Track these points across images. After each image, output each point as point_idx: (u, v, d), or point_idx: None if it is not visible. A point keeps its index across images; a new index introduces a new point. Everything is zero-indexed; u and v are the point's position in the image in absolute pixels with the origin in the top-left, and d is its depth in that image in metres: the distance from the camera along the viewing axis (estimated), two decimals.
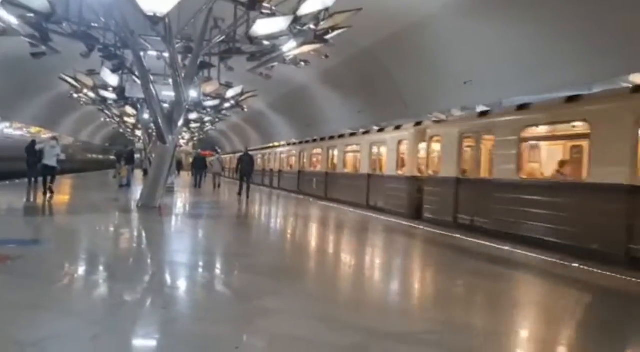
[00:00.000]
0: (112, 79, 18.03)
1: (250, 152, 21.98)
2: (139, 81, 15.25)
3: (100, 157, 65.41)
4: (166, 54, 13.60)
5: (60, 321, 4.23)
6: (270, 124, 41.98)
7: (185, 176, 41.56)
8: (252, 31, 11.01)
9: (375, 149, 19.66)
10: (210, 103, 21.53)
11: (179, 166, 39.26)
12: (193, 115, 25.76)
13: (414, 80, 19.29)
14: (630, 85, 10.13)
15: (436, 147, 15.14)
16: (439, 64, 17.20)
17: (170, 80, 14.87)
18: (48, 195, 16.35)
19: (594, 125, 9.51)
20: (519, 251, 9.10)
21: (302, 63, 13.32)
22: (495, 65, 14.88)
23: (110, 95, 20.32)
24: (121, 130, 50.87)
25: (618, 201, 8.67)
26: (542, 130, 11.64)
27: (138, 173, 35.61)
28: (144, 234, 10.57)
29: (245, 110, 25.36)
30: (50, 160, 16.81)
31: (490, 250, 9.36)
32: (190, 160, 40.18)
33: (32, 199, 16.58)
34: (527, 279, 7.52)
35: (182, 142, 44.20)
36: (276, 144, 40.50)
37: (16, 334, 3.80)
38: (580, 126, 10.20)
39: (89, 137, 57.26)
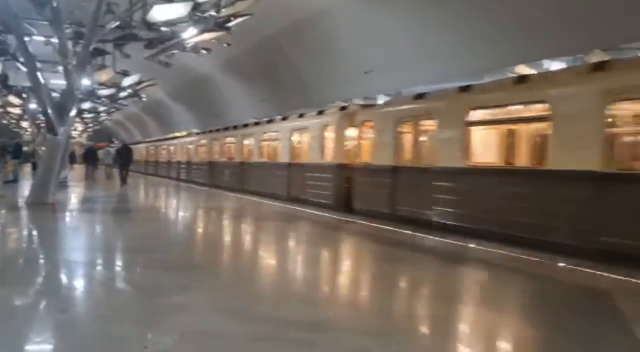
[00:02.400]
0: None
1: (128, 145, 24.53)
2: (24, 68, 14.19)
3: None
4: (55, 40, 12.74)
5: None
6: (172, 114, 40.76)
7: (78, 169, 39.38)
8: (150, 17, 10.60)
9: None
10: (105, 92, 20.56)
11: (72, 159, 37.21)
12: (86, 105, 24.43)
13: (316, 70, 19.47)
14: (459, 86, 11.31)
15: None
16: (340, 53, 17.46)
17: (60, 68, 13.96)
18: None
19: (438, 120, 10.98)
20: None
21: (204, 51, 13.03)
22: (394, 55, 15.33)
23: None
24: (5, 122, 47.18)
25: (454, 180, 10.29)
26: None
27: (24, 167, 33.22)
28: (35, 233, 9.88)
29: (144, 99, 24.44)
30: None
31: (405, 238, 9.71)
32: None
33: None
34: (448, 265, 7.86)
35: (74, 133, 41.89)
36: (184, 133, 39.07)
37: None
38: (431, 122, 11.45)
39: None
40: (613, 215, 7.48)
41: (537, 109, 9.02)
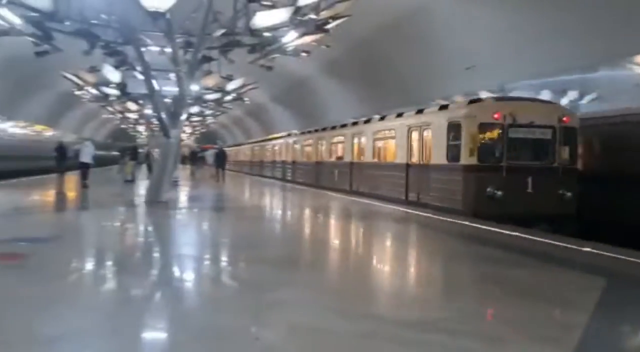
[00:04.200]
0: (114, 75, 18.05)
1: (224, 149, 29.24)
2: (141, 77, 15.28)
3: (103, 153, 65.39)
4: (168, 49, 13.60)
5: (77, 316, 4.30)
6: (272, 116, 41.97)
7: (185, 169, 41.72)
8: (253, 23, 11.00)
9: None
10: (211, 96, 21.52)
11: (182, 160, 39.69)
12: (194, 109, 25.77)
13: (415, 68, 19.29)
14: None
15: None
16: (440, 49, 17.20)
17: (172, 75, 14.90)
18: (84, 187, 18.85)
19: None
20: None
21: (304, 53, 13.33)
22: (497, 50, 14.86)
23: (112, 91, 20.33)
24: (123, 126, 51.09)
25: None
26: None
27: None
28: (151, 229, 10.66)
29: (247, 102, 25.34)
30: (85, 158, 19.39)
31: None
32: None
33: (62, 191, 18.81)
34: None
35: (183, 136, 44.29)
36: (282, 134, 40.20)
37: (37, 329, 3.88)
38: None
39: (92, 133, 57.34)
40: (411, 184, 14.85)
41: (391, 132, 16.81)
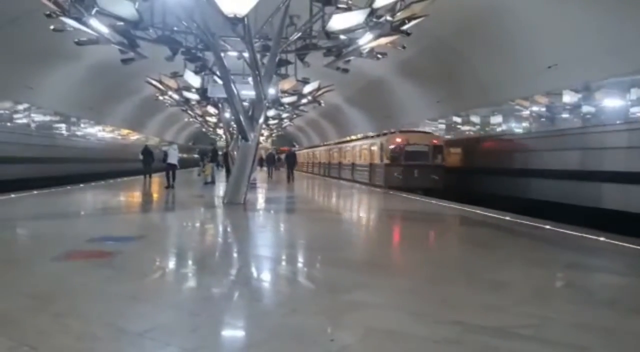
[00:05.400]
0: (195, 80, 18.76)
1: (294, 152, 34.90)
2: (220, 81, 15.74)
3: (184, 156, 68.06)
4: (246, 54, 13.90)
5: (160, 313, 4.45)
6: (347, 118, 42.07)
7: (261, 171, 42.61)
8: (329, 26, 11.05)
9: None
10: (287, 99, 21.91)
11: (260, 162, 40.88)
12: (271, 112, 26.29)
13: (494, 67, 18.70)
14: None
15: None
16: (520, 48, 16.58)
17: (250, 79, 15.23)
18: (172, 188, 20.41)
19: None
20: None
21: (379, 56, 13.22)
22: (582, 48, 14.09)
23: (193, 96, 21.17)
24: (203, 130, 53.00)
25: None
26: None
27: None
28: (230, 230, 10.91)
29: (322, 105, 25.61)
30: (172, 160, 20.79)
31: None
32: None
33: (147, 192, 20.36)
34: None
35: (261, 138, 45.24)
36: (353, 138, 40.88)
37: (122, 324, 4.03)
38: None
39: (173, 137, 59.80)
40: (387, 175, 23.87)
41: (372, 145, 27.42)
